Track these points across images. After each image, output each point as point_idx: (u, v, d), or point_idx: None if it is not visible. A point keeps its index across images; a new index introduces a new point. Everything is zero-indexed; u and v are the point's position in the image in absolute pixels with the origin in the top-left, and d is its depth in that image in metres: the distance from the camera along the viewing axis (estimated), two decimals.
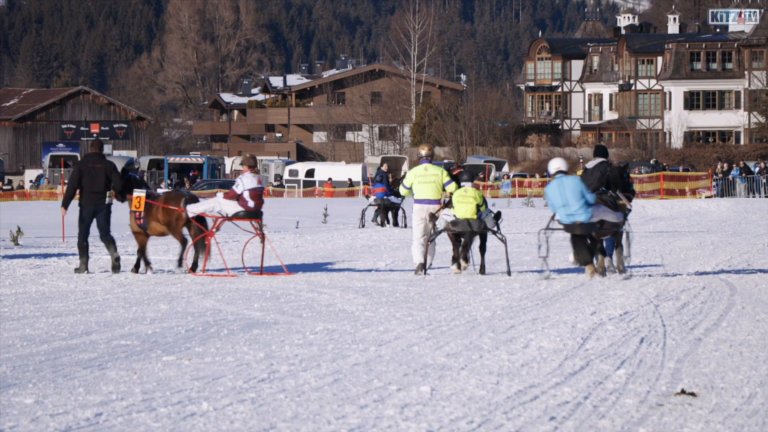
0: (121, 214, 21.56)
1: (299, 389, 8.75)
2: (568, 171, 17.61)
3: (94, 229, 19.15)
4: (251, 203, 18.92)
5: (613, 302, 14.13)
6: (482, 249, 18.85)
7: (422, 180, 18.49)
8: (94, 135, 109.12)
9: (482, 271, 18.71)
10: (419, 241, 18.42)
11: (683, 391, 8.69)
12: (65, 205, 19.79)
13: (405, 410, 8.08)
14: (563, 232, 17.87)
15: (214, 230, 18.95)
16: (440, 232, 18.67)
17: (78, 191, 19.06)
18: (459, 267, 18.82)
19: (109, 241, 19.00)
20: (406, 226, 33.67)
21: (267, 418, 7.84)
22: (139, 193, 19.14)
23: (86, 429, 7.56)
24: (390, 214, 34.53)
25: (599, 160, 18.32)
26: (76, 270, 18.98)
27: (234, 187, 19.06)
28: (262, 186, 19.16)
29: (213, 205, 19.10)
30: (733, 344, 10.96)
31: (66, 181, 19.48)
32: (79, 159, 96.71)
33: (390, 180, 34.93)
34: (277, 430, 7.56)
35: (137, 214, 19.12)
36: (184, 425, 7.66)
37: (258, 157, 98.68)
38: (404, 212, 33.92)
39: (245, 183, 18.95)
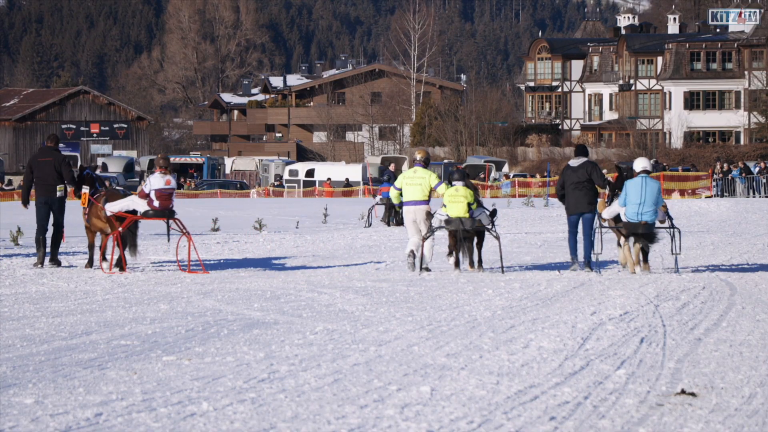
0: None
1: (299, 389, 8.75)
2: (651, 172, 18.80)
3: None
4: (156, 203, 19.26)
5: (613, 302, 14.14)
6: (479, 246, 19.50)
7: (410, 182, 19.09)
8: (94, 135, 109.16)
9: (480, 265, 19.40)
10: (412, 240, 19.14)
11: (683, 391, 8.69)
12: (24, 202, 20.46)
13: (405, 410, 8.08)
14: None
15: (120, 229, 19.22)
16: (435, 230, 19.23)
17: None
18: (457, 264, 19.22)
19: (56, 242, 19.68)
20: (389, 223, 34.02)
21: (267, 418, 7.84)
22: (84, 190, 19.66)
23: (86, 429, 7.56)
24: (394, 213, 34.76)
25: (583, 159, 19.05)
26: (35, 264, 19.56)
27: (143, 186, 19.48)
28: (170, 187, 19.44)
29: (128, 203, 19.44)
30: (733, 344, 10.97)
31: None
32: (79, 160, 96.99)
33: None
34: (277, 430, 7.56)
35: (85, 210, 19.68)
36: (184, 425, 7.66)
37: (258, 157, 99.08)
38: None
39: (152, 183, 19.34)
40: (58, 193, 19.76)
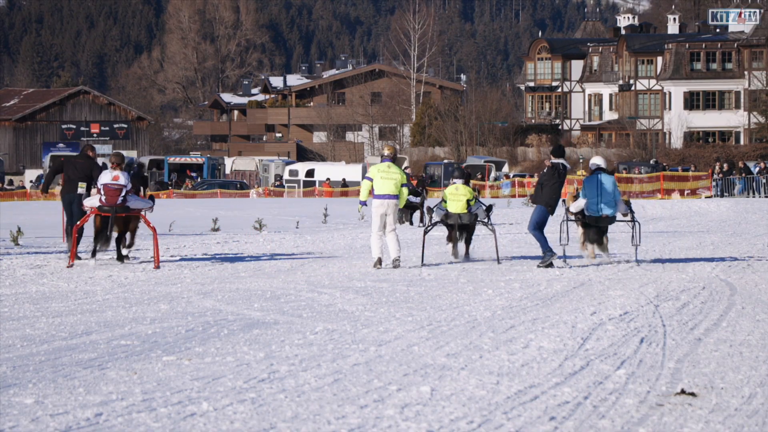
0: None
1: (299, 389, 8.75)
2: (606, 169, 20.17)
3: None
4: (103, 197, 20.13)
5: (613, 302, 14.14)
6: (468, 237, 21.12)
7: (385, 176, 19.63)
8: (94, 135, 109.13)
9: (467, 254, 21.08)
10: (377, 234, 19.53)
11: (683, 391, 8.69)
12: (44, 190, 23.25)
13: (405, 410, 8.08)
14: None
15: (77, 222, 20.66)
16: (435, 224, 21.13)
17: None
18: (456, 249, 21.00)
19: (71, 233, 20.56)
20: (425, 223, 34.65)
21: (267, 418, 7.84)
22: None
23: (86, 429, 7.56)
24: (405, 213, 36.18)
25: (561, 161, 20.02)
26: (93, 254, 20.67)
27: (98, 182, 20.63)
28: (117, 183, 20.12)
29: (95, 199, 20.46)
30: (733, 344, 10.97)
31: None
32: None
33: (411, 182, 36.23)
34: (277, 430, 7.56)
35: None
36: (184, 425, 7.66)
37: (258, 157, 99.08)
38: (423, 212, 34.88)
39: (102, 179, 20.31)
40: (79, 190, 21.17)
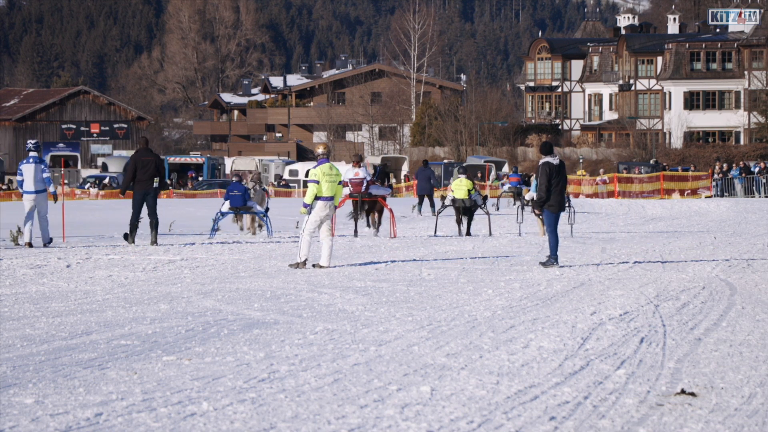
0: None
1: (299, 389, 8.75)
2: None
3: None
4: (350, 188, 27.64)
5: (613, 302, 14.14)
6: (469, 219, 29.65)
7: (329, 179, 19.48)
8: (94, 135, 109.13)
9: (468, 232, 29.23)
10: (310, 235, 19.34)
11: (683, 391, 8.69)
12: (123, 192, 25.48)
13: (405, 410, 8.08)
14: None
15: (336, 206, 27.79)
16: (446, 207, 30.05)
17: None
18: (461, 228, 29.61)
19: (153, 223, 24.13)
20: (523, 206, 38.13)
21: (267, 418, 7.84)
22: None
23: (86, 429, 7.56)
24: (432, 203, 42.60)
25: (557, 157, 20.29)
26: (126, 239, 24.08)
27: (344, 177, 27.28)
28: (359, 177, 27.86)
29: (345, 189, 27.31)
30: (733, 344, 10.97)
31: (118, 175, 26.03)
32: (79, 159, 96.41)
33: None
34: (277, 430, 7.56)
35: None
36: (184, 425, 7.66)
37: (258, 157, 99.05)
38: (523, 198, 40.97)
39: (346, 175, 27.36)
40: (154, 185, 24.10)
